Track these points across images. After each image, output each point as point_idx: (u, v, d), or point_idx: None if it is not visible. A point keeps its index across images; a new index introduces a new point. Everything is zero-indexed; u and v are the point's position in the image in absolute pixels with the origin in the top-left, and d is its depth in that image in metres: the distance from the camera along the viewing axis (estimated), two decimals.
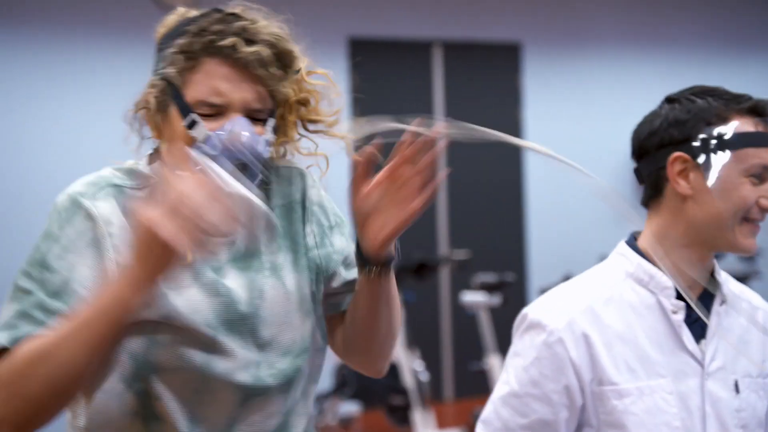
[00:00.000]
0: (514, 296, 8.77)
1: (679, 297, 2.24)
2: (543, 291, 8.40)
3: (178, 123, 1.87)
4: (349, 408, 8.56)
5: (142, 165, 1.97)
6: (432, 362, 8.53)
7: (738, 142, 2.19)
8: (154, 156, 1.99)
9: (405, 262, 7.84)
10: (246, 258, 1.96)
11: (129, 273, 1.69)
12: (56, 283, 1.81)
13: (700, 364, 2.22)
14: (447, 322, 9.25)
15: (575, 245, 9.49)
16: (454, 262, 8.46)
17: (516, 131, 9.68)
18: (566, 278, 7.61)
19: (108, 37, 7.99)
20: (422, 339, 8.01)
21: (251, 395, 1.92)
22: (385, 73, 9.16)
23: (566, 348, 2.19)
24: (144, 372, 1.84)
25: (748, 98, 2.24)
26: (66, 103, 8.03)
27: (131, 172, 1.94)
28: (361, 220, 1.90)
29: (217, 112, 1.87)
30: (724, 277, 2.34)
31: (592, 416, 2.23)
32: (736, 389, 2.24)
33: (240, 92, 1.88)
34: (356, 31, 8.95)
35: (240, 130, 1.85)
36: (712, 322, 2.25)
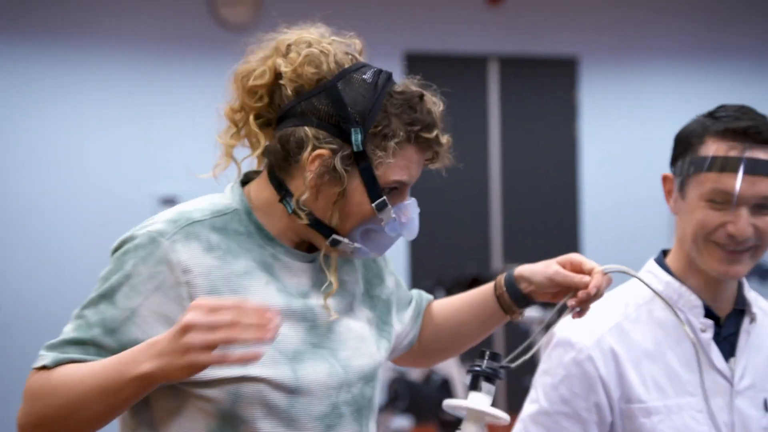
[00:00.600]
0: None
1: (708, 315, 2.24)
2: None
3: (363, 200, 1.89)
4: (402, 422, 8.57)
5: (233, 195, 1.97)
6: None
7: (699, 166, 2.19)
8: (256, 189, 1.99)
9: (459, 277, 7.86)
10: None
11: (147, 364, 1.70)
12: (116, 321, 1.82)
13: (729, 382, 2.22)
14: (500, 337, 9.22)
15: (632, 258, 9.43)
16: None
17: (572, 146, 9.69)
18: None
19: (156, 46, 8.05)
20: (475, 354, 7.99)
21: (330, 425, 1.95)
22: (442, 89, 9.16)
23: (596, 365, 2.21)
24: (232, 423, 1.85)
25: (731, 118, 2.21)
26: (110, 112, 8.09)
27: (220, 206, 1.94)
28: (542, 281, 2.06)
29: (397, 191, 1.93)
30: (754, 296, 2.34)
31: None
32: (766, 407, 2.25)
33: (417, 175, 1.97)
34: (412, 46, 8.96)
35: (412, 207, 1.98)
36: (741, 340, 2.26)
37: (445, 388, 7.87)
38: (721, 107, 2.25)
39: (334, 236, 1.90)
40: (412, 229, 1.97)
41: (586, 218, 9.71)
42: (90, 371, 1.75)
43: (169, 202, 7.17)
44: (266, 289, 1.90)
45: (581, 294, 1.97)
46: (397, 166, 1.88)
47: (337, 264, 1.98)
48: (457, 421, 7.02)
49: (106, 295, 1.83)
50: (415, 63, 9.56)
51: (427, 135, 1.91)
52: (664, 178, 2.29)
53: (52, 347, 1.81)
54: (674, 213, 2.27)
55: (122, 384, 1.71)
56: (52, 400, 1.77)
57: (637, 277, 2.10)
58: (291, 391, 1.87)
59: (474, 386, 1.93)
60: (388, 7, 8.84)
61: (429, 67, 8.97)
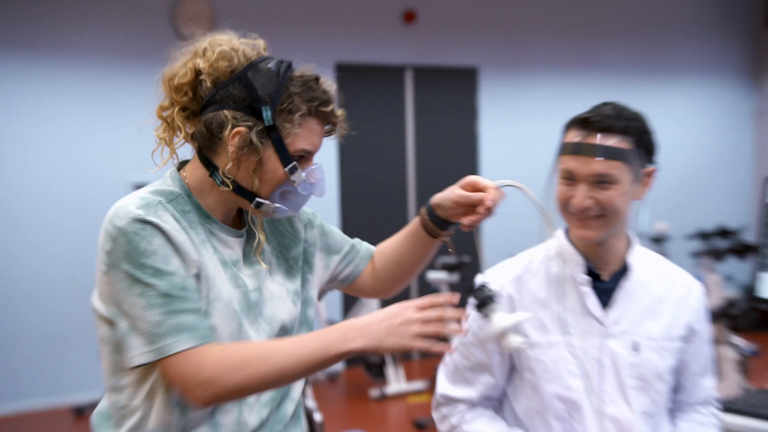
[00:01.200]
0: (469, 274, 8.89)
1: (591, 273, 2.28)
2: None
3: (277, 166, 1.91)
4: (335, 365, 8.63)
5: (172, 180, 1.98)
6: None
7: (558, 150, 2.25)
8: (191, 172, 2.00)
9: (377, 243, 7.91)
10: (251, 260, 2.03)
11: (358, 341, 1.82)
12: (179, 281, 1.83)
13: (603, 325, 2.25)
14: (415, 296, 9.31)
15: (515, 237, 9.58)
16: None
17: (472, 141, 9.76)
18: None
19: (125, 58, 8.01)
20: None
21: None
22: (367, 93, 9.22)
23: None
24: None
25: (581, 113, 2.25)
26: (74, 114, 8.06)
27: (163, 190, 1.95)
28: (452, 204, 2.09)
29: (304, 159, 1.97)
30: (645, 259, 2.36)
31: (516, 362, 2.30)
32: (635, 349, 2.25)
33: (320, 143, 2.00)
34: (342, 58, 8.94)
35: (319, 171, 1.99)
36: (617, 294, 2.28)
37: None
38: (599, 104, 2.28)
39: (257, 199, 1.93)
40: (321, 188, 2.00)
41: None
42: (295, 346, 1.81)
43: (140, 186, 7.19)
44: (212, 259, 1.93)
45: (479, 209, 2.02)
46: (302, 136, 1.93)
47: (262, 223, 2.04)
48: (381, 362, 7.07)
49: (155, 275, 1.81)
50: (345, 72, 9.62)
51: (324, 109, 1.94)
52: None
53: (170, 333, 1.80)
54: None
55: (329, 357, 1.80)
56: (250, 370, 1.80)
57: (523, 190, 2.11)
58: (234, 340, 1.92)
59: (490, 310, 1.93)
60: (322, 25, 8.80)
61: (356, 76, 9.11)
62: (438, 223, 2.14)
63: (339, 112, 1.99)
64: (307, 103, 1.92)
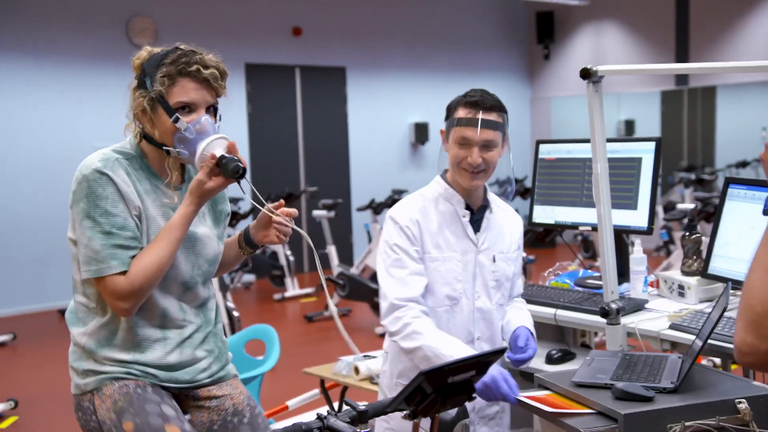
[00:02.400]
0: (342, 212, 8.94)
1: (467, 208, 2.29)
2: (358, 209, 8.45)
3: (166, 119, 1.82)
4: (249, 277, 8.61)
5: (130, 145, 1.90)
6: (296, 250, 8.62)
7: (453, 123, 2.23)
8: (138, 137, 1.90)
9: (280, 192, 7.91)
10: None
11: (191, 203, 1.81)
12: (120, 221, 1.78)
13: (475, 245, 2.27)
14: (305, 227, 9.34)
15: (376, 183, 9.66)
16: (308, 193, 8.55)
17: (344, 122, 9.74)
18: (371, 202, 7.81)
19: (93, 58, 7.74)
20: (291, 237, 8.06)
21: (188, 287, 1.94)
22: (268, 86, 9.09)
23: (411, 230, 2.23)
24: None
25: (471, 96, 2.23)
26: (55, 98, 7.76)
27: (124, 150, 1.88)
28: (259, 230, 2.03)
29: (189, 110, 1.83)
30: (493, 198, 2.37)
31: (425, 271, 2.26)
32: (494, 260, 2.30)
33: (202, 97, 1.84)
34: (250, 59, 8.81)
35: (205, 121, 1.83)
36: (483, 222, 2.30)
37: (274, 257, 7.95)
38: (470, 90, 2.27)
39: (164, 147, 1.85)
40: (208, 133, 1.83)
41: (352, 158, 9.85)
42: (164, 231, 1.82)
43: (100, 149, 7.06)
44: (154, 204, 1.87)
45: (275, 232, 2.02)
46: (176, 92, 1.82)
47: (174, 165, 1.90)
48: (282, 276, 6.91)
49: (102, 215, 1.77)
50: (252, 70, 9.45)
51: (189, 68, 1.82)
52: (441, 132, 2.30)
53: (104, 260, 1.76)
54: (446, 151, 2.29)
55: (183, 223, 1.82)
56: (147, 269, 1.78)
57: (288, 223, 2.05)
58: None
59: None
60: (235, 35, 8.62)
61: (260, 73, 8.92)
62: (248, 242, 2.08)
63: (208, 71, 1.85)
64: (176, 67, 1.82)
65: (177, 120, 1.81)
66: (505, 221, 2.37)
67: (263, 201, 1.97)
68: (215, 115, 1.90)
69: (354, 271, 6.88)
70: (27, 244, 7.51)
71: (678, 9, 10.09)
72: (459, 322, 2.27)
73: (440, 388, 1.26)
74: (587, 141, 2.41)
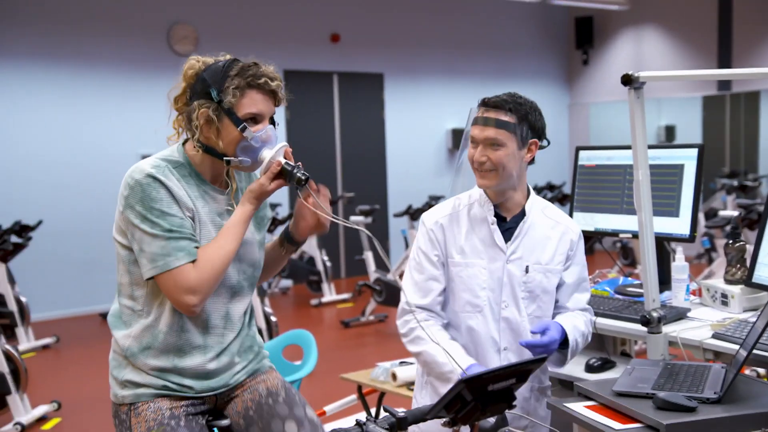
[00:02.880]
0: (379, 218, 8.96)
1: (498, 215, 2.23)
2: (395, 215, 8.38)
3: (233, 129, 1.84)
4: (286, 282, 8.66)
5: (178, 153, 1.93)
6: (333, 255, 8.66)
7: (468, 125, 2.23)
8: (188, 146, 1.94)
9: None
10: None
11: (250, 203, 1.88)
12: (177, 221, 1.82)
13: (504, 253, 2.21)
14: (342, 233, 9.36)
15: (413, 189, 9.65)
16: (346, 198, 8.57)
17: (381, 127, 9.74)
18: (408, 208, 7.81)
19: (136, 66, 7.87)
20: (328, 243, 8.12)
21: (236, 291, 1.97)
22: (306, 92, 9.14)
23: (435, 234, 2.23)
24: None
25: (490, 97, 2.21)
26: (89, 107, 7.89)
27: (171, 158, 1.91)
28: (299, 222, 2.05)
29: (255, 121, 1.87)
30: (541, 206, 2.29)
31: (447, 275, 2.25)
32: (526, 271, 2.21)
33: (268, 108, 1.89)
34: (289, 66, 8.89)
35: (270, 130, 1.89)
36: (516, 231, 2.22)
37: (311, 262, 7.96)
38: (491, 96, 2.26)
39: (225, 157, 1.88)
40: (273, 141, 1.90)
41: (389, 168, 9.86)
42: (225, 229, 1.88)
43: (145, 157, 7.16)
44: (204, 209, 1.90)
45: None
46: (245, 104, 1.85)
47: (234, 174, 1.97)
48: (319, 281, 6.96)
49: (160, 216, 1.81)
50: (290, 77, 9.49)
51: (258, 81, 1.86)
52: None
53: (171, 253, 1.80)
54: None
55: (244, 220, 1.88)
56: (213, 262, 1.83)
57: (337, 219, 2.07)
58: None
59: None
60: (274, 42, 8.70)
61: (298, 79, 8.97)
62: (288, 240, 2.09)
63: (274, 83, 1.90)
64: (244, 79, 1.86)
65: (245, 129, 1.86)
66: (551, 232, 2.26)
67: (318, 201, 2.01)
68: (274, 125, 1.95)
69: (390, 277, 6.88)
70: (71, 249, 7.65)
71: (720, 13, 9.93)
72: (483, 330, 2.22)
73: (480, 396, 1.26)
74: (628, 147, 2.39)
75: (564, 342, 2.17)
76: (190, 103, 1.90)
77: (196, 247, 1.84)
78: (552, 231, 2.26)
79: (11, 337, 6.43)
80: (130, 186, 1.83)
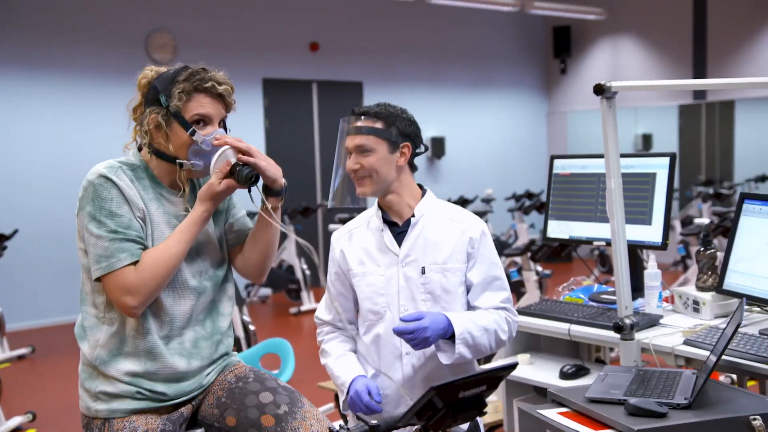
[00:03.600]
0: None
1: (387, 222, 2.26)
2: None
3: (182, 133, 1.87)
4: (265, 291, 8.62)
5: (135, 156, 1.95)
6: (312, 264, 8.64)
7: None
8: (142, 151, 1.96)
9: (296, 206, 7.95)
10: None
11: (202, 206, 1.87)
12: (125, 221, 1.82)
13: (398, 257, 2.22)
14: (321, 242, 9.35)
15: None
16: (324, 207, 8.56)
17: None
18: None
19: (111, 74, 7.80)
20: (306, 252, 8.10)
21: (200, 293, 1.96)
22: (285, 100, 9.14)
23: (336, 251, 2.29)
24: None
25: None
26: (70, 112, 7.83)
27: (128, 161, 1.93)
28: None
29: (204, 124, 1.89)
30: (436, 207, 2.28)
31: (352, 288, 2.30)
32: (423, 272, 2.20)
33: (216, 111, 1.92)
34: (267, 74, 8.88)
35: (219, 135, 1.90)
36: (407, 235, 2.22)
37: (290, 271, 7.89)
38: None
39: (178, 161, 1.90)
40: (223, 146, 1.90)
41: None
42: (175, 232, 1.87)
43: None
44: (158, 211, 1.91)
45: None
46: (192, 107, 1.88)
47: (186, 178, 1.96)
48: (298, 288, 6.85)
49: (108, 216, 1.81)
50: (269, 85, 9.46)
51: (205, 85, 1.88)
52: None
53: (114, 254, 1.79)
54: None
55: (195, 224, 1.88)
56: (157, 269, 1.81)
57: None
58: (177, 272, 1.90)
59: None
60: (253, 51, 8.69)
61: (277, 88, 8.95)
62: (266, 193, 2.02)
63: (222, 87, 1.91)
64: (191, 83, 1.88)
65: (194, 133, 1.87)
66: (449, 231, 2.24)
67: (271, 211, 1.98)
68: (225, 129, 1.96)
69: None
70: (47, 258, 7.57)
71: (695, 23, 10.06)
72: (386, 336, 2.22)
73: (451, 403, 1.27)
74: (602, 156, 2.41)
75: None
76: (144, 111, 1.92)
77: (143, 249, 1.84)
78: (449, 230, 2.25)
79: None
80: (84, 188, 1.86)
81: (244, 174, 1.88)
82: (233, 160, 1.90)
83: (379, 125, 2.21)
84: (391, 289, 2.22)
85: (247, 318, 5.70)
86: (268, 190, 1.99)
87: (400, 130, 2.24)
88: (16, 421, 4.65)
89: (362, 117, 2.22)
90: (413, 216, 2.25)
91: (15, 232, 6.58)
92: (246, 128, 8.61)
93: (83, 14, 7.80)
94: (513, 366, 1.33)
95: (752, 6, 9.66)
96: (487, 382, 1.29)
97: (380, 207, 2.29)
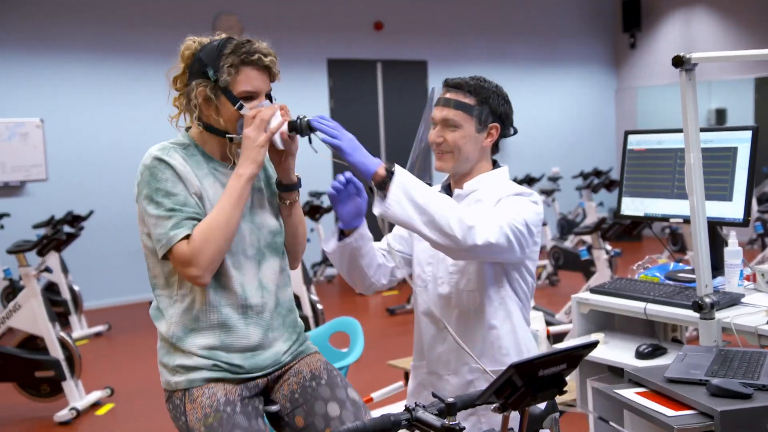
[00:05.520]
0: None
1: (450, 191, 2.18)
2: None
3: (230, 107, 1.86)
4: (331, 271, 8.66)
5: (183, 137, 1.96)
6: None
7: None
8: (192, 129, 1.97)
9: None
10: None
11: (245, 164, 1.84)
12: (181, 199, 1.84)
13: None
14: (387, 223, 9.37)
15: None
16: None
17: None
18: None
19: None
20: (374, 232, 8.12)
21: (260, 260, 1.96)
22: (350, 80, 9.15)
23: None
24: None
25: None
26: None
27: (179, 141, 1.94)
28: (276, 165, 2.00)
29: (252, 98, 1.89)
30: (490, 180, 2.16)
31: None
32: None
33: (263, 84, 1.91)
34: (331, 55, 8.90)
35: (266, 105, 1.89)
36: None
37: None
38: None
39: (227, 135, 1.90)
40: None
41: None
42: (223, 196, 1.86)
43: None
44: (214, 185, 1.91)
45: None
46: (240, 81, 1.86)
47: (236, 150, 1.94)
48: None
49: (164, 196, 1.83)
50: (334, 65, 9.52)
51: (251, 57, 1.86)
52: None
53: (173, 231, 1.82)
54: None
55: (242, 185, 1.84)
56: (212, 230, 1.82)
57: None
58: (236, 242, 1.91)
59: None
60: (318, 31, 8.73)
61: (342, 68, 8.98)
62: (281, 189, 2.03)
63: (268, 59, 1.89)
64: (238, 57, 1.86)
65: (241, 107, 1.87)
66: (489, 197, 2.11)
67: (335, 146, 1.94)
68: (271, 101, 1.95)
69: None
70: (122, 238, 7.74)
71: None
72: (423, 302, 2.18)
73: (530, 381, 1.25)
74: (679, 131, 2.33)
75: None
76: (189, 83, 1.92)
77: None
78: (491, 196, 2.12)
79: (65, 324, 6.58)
80: (140, 172, 1.88)
81: (304, 123, 1.89)
82: (279, 120, 1.89)
83: (470, 101, 2.10)
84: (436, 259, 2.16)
85: (314, 297, 5.76)
86: (282, 186, 2.02)
87: (492, 109, 2.13)
88: (96, 395, 4.81)
89: (454, 89, 2.11)
90: (460, 188, 2.15)
91: (90, 213, 6.78)
92: (311, 109, 8.65)
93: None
94: (594, 344, 1.30)
95: None
96: (567, 360, 1.27)
97: (448, 182, 2.21)
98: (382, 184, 1.90)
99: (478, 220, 1.91)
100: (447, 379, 2.17)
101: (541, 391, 1.27)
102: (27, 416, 4.75)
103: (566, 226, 9.36)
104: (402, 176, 1.91)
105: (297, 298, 5.82)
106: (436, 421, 1.39)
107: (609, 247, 5.60)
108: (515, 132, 2.19)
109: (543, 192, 8.86)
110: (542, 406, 1.44)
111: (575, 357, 1.29)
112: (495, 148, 2.20)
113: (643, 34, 11.08)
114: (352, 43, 9.13)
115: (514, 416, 1.35)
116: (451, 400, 1.41)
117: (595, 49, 11.27)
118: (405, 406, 1.44)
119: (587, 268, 6.41)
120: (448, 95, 2.11)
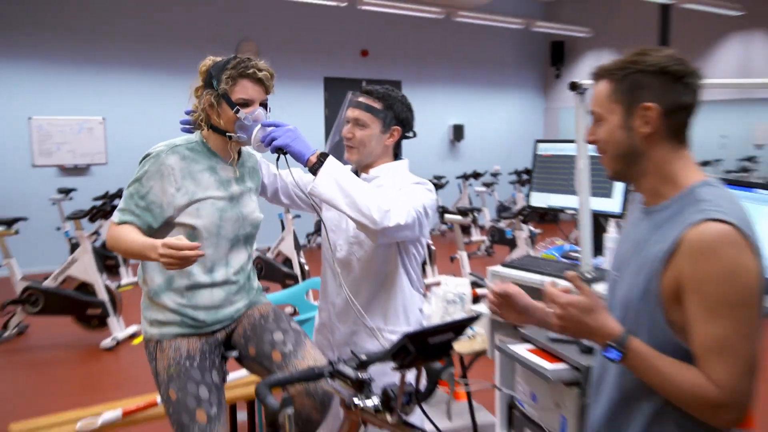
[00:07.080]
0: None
1: None
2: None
3: (229, 111, 1.73)
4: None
5: (196, 135, 1.83)
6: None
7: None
8: (204, 132, 1.82)
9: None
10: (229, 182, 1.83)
11: (153, 255, 1.59)
12: (143, 192, 1.71)
13: None
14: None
15: (422, 172, 9.46)
16: None
17: None
18: None
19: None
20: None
21: (233, 245, 1.82)
22: (340, 94, 8.95)
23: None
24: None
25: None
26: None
27: (190, 139, 1.81)
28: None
29: (247, 105, 1.74)
30: (388, 171, 1.96)
31: None
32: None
33: (258, 95, 1.76)
34: (327, 74, 8.71)
35: (259, 113, 1.75)
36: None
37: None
38: None
39: (228, 134, 1.77)
40: (262, 120, 1.75)
41: (404, 155, 9.64)
42: (131, 241, 1.66)
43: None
44: (210, 179, 1.77)
45: None
46: (237, 90, 1.73)
47: (234, 147, 1.82)
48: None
49: (137, 181, 1.72)
50: (329, 82, 9.24)
51: (248, 71, 1.73)
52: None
53: (119, 211, 1.72)
54: None
55: (145, 255, 1.60)
56: (117, 243, 1.68)
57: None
58: (216, 225, 1.76)
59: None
60: (316, 55, 8.54)
61: (335, 84, 8.69)
62: None
63: (261, 73, 1.75)
64: (237, 70, 1.74)
65: (238, 111, 1.74)
66: (390, 184, 1.91)
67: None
68: (266, 109, 1.80)
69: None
70: None
71: (661, 35, 9.52)
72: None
73: (422, 348, 1.12)
74: (574, 141, 2.21)
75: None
76: (202, 92, 1.80)
77: (134, 218, 1.71)
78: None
79: (116, 274, 6.43)
80: (143, 157, 1.76)
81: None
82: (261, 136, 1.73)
83: (377, 105, 1.92)
84: (342, 226, 1.96)
85: (303, 260, 5.62)
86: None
87: (396, 114, 1.95)
88: (133, 329, 4.77)
89: (366, 95, 1.94)
90: (366, 173, 1.94)
91: None
92: (311, 116, 8.47)
93: (185, 24, 7.71)
94: (475, 318, 1.18)
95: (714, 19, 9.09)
96: (453, 329, 1.14)
97: (354, 169, 1.99)
98: (315, 169, 1.72)
99: (392, 204, 1.72)
100: (338, 327, 1.99)
101: (431, 357, 1.14)
102: (80, 343, 4.71)
103: (502, 211, 9.26)
104: (331, 163, 1.72)
105: (289, 260, 5.59)
106: (351, 373, 1.27)
107: (532, 228, 5.48)
108: (414, 135, 2.02)
109: (485, 185, 8.74)
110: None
111: (459, 327, 1.16)
112: (397, 146, 2.01)
113: (566, 67, 10.94)
114: (344, 65, 8.92)
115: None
116: (364, 357, 1.28)
117: (529, 77, 11.11)
118: (328, 360, 1.31)
119: (513, 244, 6.31)
120: (360, 99, 1.94)
